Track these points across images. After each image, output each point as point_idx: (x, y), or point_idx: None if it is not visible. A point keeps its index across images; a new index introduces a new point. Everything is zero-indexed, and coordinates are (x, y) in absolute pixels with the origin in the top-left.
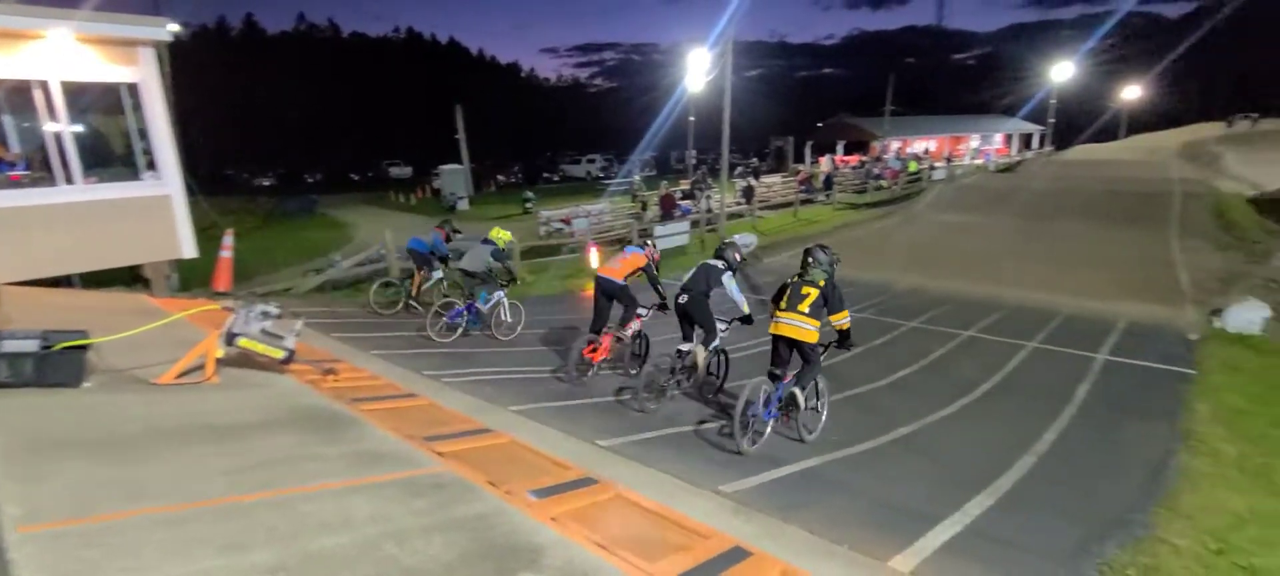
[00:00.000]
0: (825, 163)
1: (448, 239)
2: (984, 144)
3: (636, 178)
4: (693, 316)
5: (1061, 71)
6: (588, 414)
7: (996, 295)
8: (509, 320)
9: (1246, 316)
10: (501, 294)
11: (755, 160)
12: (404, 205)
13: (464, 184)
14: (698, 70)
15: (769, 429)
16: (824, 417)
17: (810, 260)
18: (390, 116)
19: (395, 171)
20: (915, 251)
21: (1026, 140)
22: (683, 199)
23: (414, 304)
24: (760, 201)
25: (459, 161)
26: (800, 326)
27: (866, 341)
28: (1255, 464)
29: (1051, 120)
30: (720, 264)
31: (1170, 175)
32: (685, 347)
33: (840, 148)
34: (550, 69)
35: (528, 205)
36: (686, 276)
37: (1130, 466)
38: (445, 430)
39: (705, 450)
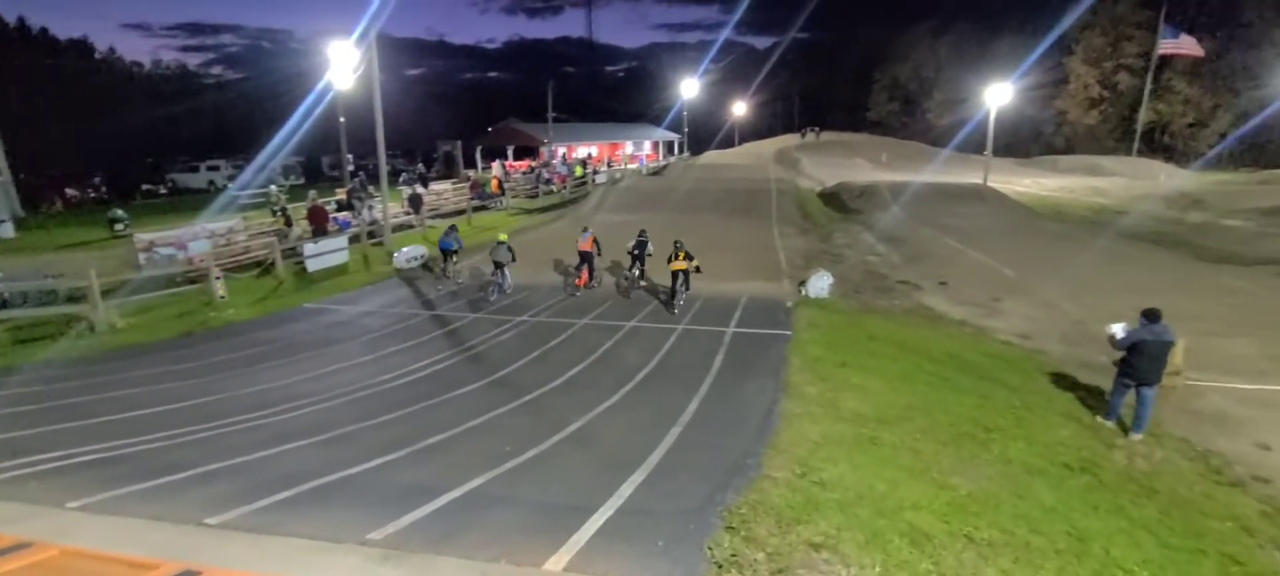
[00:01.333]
0: (496, 167)
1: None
2: (637, 149)
3: (274, 188)
4: (639, 258)
5: (689, 88)
6: (195, 485)
7: (656, 285)
8: (510, 281)
9: (819, 284)
10: (506, 271)
11: (422, 166)
12: None
13: (3, 203)
14: (344, 65)
15: (680, 303)
16: (683, 300)
17: (678, 244)
18: None
19: None
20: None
21: (670, 146)
22: (338, 211)
23: (446, 277)
24: (430, 210)
25: None
26: (684, 265)
27: (543, 344)
28: (827, 398)
29: (686, 129)
30: (645, 238)
31: (769, 176)
32: (633, 272)
33: (510, 153)
34: (142, 51)
35: (119, 228)
36: (635, 241)
37: (748, 419)
38: None
39: (354, 494)
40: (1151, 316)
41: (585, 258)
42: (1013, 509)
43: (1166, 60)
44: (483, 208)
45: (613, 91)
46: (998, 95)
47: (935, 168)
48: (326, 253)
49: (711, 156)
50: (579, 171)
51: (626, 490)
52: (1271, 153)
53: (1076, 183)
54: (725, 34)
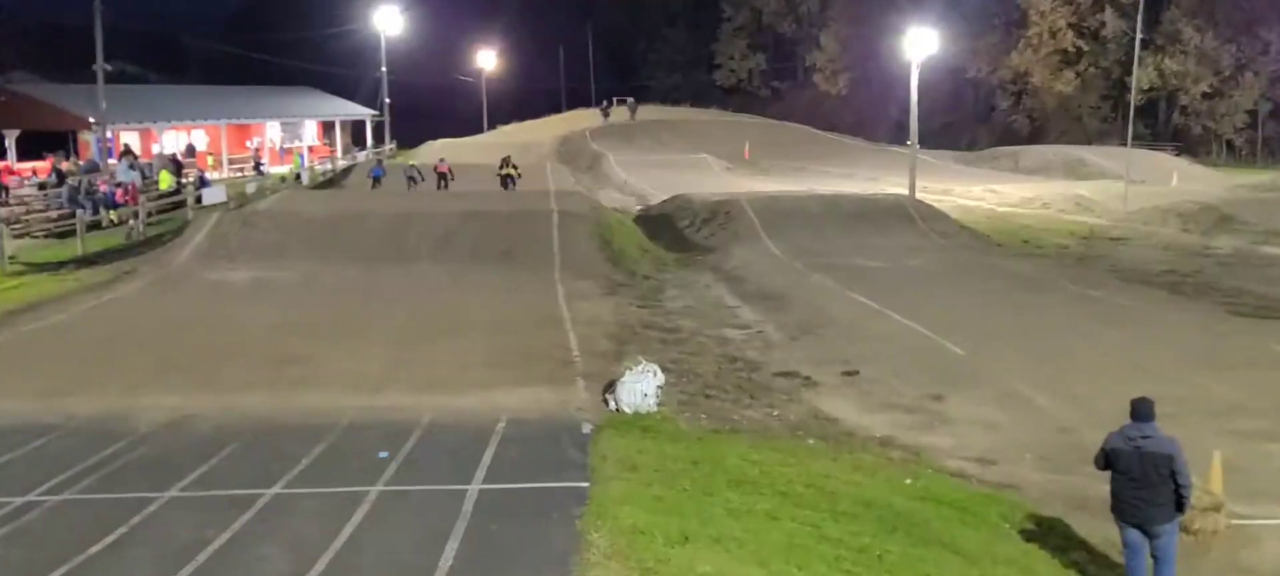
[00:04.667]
0: None
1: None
2: (290, 138)
3: None
4: (505, 172)
5: (389, 22)
6: None
7: (327, 404)
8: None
9: (640, 388)
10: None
11: None
12: None
13: None
14: None
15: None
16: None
17: (507, 159)
18: None
19: None
20: (176, 345)
21: (359, 131)
22: None
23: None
24: None
25: None
26: (510, 171)
27: (78, 552)
28: None
29: (388, 100)
30: (507, 159)
31: (547, 187)
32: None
33: (11, 143)
34: None
35: None
36: (500, 165)
37: None
38: None
39: None
40: (1138, 412)
41: (443, 176)
42: None
43: None
44: None
45: (236, 31)
46: (921, 43)
47: (831, 165)
48: None
49: (441, 149)
50: (167, 182)
51: None
52: None
53: (1052, 190)
54: None
